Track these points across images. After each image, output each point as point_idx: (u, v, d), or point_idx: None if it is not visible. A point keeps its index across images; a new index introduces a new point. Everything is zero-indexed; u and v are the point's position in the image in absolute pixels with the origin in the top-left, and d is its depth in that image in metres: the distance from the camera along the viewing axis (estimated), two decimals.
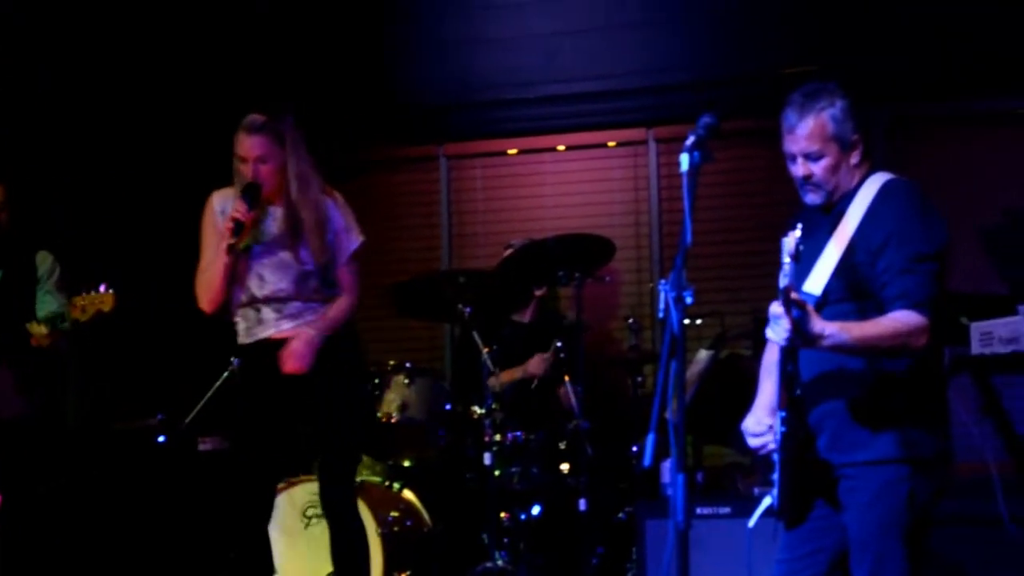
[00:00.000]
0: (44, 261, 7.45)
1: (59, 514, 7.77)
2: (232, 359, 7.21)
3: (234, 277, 6.23)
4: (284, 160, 6.21)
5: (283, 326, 6.26)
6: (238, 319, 6.35)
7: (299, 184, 6.23)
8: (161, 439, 8.35)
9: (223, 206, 6.25)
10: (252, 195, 6.14)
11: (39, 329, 6.97)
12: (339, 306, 6.37)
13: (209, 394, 7.78)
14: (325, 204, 6.32)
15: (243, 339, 6.35)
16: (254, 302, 6.26)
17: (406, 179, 9.94)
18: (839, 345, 4.31)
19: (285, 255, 6.23)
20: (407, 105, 9.64)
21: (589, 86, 9.48)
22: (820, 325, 4.24)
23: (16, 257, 7.45)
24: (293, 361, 6.18)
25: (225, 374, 7.52)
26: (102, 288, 6.89)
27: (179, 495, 8.29)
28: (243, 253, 6.20)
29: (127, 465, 8.34)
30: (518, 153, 9.79)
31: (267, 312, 6.26)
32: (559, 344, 7.93)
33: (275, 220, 6.28)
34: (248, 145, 6.20)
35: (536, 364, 8.17)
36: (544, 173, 9.76)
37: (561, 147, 9.71)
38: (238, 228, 6.07)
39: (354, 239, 6.40)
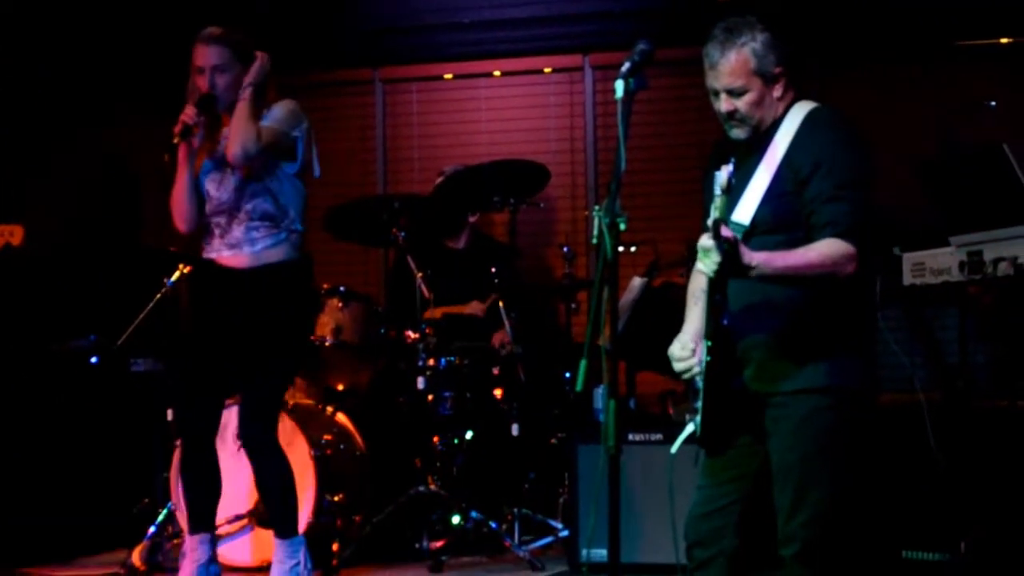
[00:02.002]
0: None
1: None
2: (166, 279, 7.19)
3: (196, 196, 6.25)
4: (241, 73, 6.19)
5: (223, 252, 6.25)
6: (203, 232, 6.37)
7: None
8: (94, 360, 8.33)
9: None
10: (206, 104, 6.13)
11: None
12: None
13: (142, 315, 7.74)
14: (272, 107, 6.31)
15: (203, 253, 6.37)
16: (209, 220, 6.27)
17: (341, 103, 9.91)
18: (768, 275, 4.33)
19: (227, 170, 6.23)
20: (342, 28, 9.59)
21: (526, 12, 9.45)
22: (749, 256, 4.25)
23: None
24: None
25: (158, 295, 7.48)
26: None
27: (112, 415, 8.29)
28: (194, 159, 6.20)
29: (60, 386, 8.33)
30: (454, 78, 9.76)
31: (215, 234, 6.26)
32: (497, 284, 7.91)
33: (225, 140, 6.26)
34: (206, 54, 6.17)
35: (475, 308, 8.20)
36: (480, 99, 9.74)
37: (497, 73, 9.68)
38: (185, 131, 6.05)
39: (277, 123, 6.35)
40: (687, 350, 4.59)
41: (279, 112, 6.28)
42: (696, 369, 4.53)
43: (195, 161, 6.25)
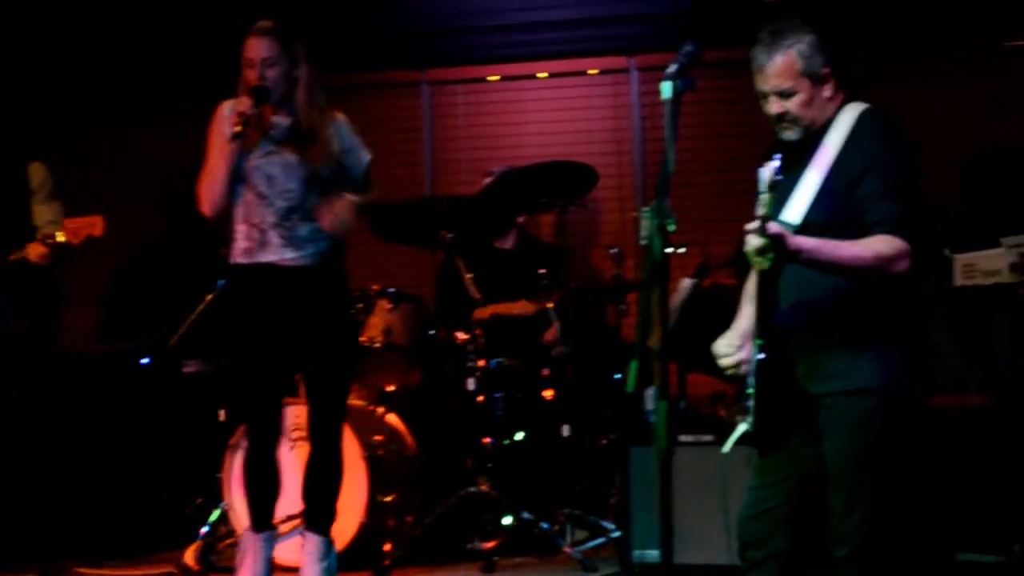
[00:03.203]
0: (37, 173, 7.61)
1: (45, 434, 7.82)
2: (218, 281, 7.25)
3: (238, 175, 6.23)
4: (290, 68, 6.25)
5: (286, 254, 6.27)
6: (238, 236, 6.34)
7: (307, 93, 6.28)
8: (146, 361, 8.39)
9: (232, 112, 6.25)
10: (259, 95, 6.17)
11: (38, 249, 7.07)
12: (373, 193, 6.55)
13: (194, 316, 7.80)
14: (333, 118, 6.40)
15: (239, 259, 6.34)
16: (261, 220, 6.27)
17: (388, 104, 9.92)
18: (818, 261, 4.34)
19: (292, 158, 6.27)
20: (389, 30, 9.61)
21: (572, 13, 9.47)
22: (797, 242, 4.27)
23: (7, 171, 7.53)
24: (334, 216, 6.29)
25: (210, 296, 7.54)
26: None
27: (164, 416, 8.33)
28: (247, 152, 6.22)
29: (112, 386, 8.38)
30: (500, 80, 9.78)
31: (273, 236, 6.26)
32: (549, 295, 7.93)
33: (281, 128, 6.32)
34: (257, 47, 6.22)
35: (523, 308, 8.20)
36: (526, 100, 9.76)
37: (543, 74, 9.70)
38: (244, 121, 6.08)
39: (364, 155, 6.53)
40: (732, 347, 4.62)
41: (360, 142, 6.52)
42: (742, 366, 4.55)
43: (243, 151, 6.25)
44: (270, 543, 6.43)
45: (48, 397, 7.89)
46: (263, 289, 6.30)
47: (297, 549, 6.62)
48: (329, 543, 6.46)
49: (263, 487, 6.43)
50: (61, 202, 7.53)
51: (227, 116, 6.28)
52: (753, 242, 4.20)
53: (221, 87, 6.48)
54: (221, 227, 6.40)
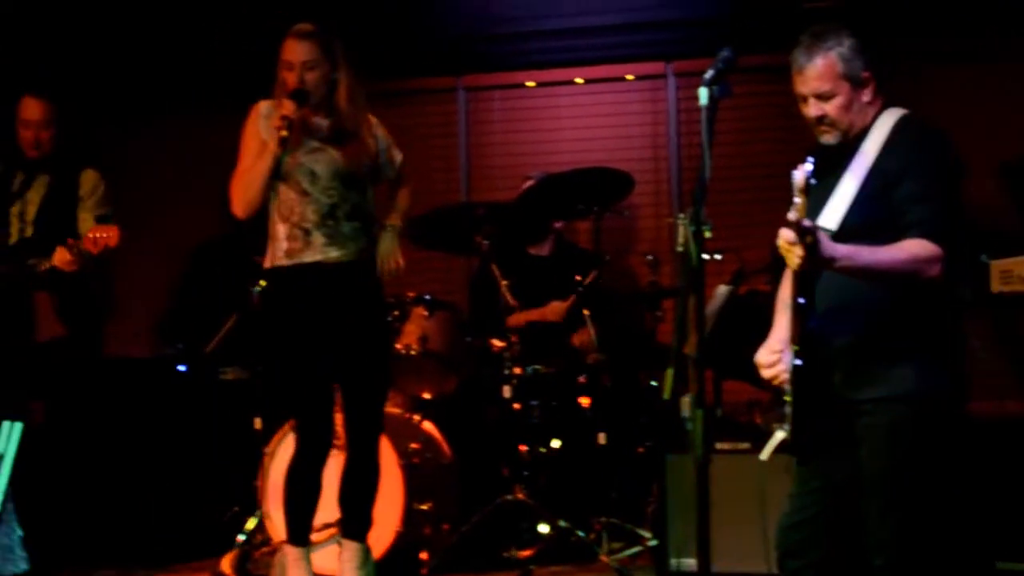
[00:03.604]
0: (88, 180, 7.69)
1: (81, 440, 7.84)
2: (254, 289, 7.24)
3: (277, 173, 6.20)
4: (329, 71, 6.26)
5: (331, 252, 6.28)
6: (279, 236, 6.32)
7: (349, 94, 6.31)
8: (182, 368, 8.41)
9: (269, 112, 6.28)
10: (299, 98, 6.17)
11: (63, 255, 7.10)
12: (404, 196, 6.72)
13: (230, 323, 7.81)
14: (368, 119, 6.47)
15: (281, 260, 6.31)
16: (303, 218, 6.27)
17: (424, 110, 9.93)
18: (852, 268, 4.31)
19: (336, 155, 6.29)
20: (425, 36, 9.62)
21: (608, 19, 9.45)
22: (832, 248, 4.24)
23: (59, 177, 7.57)
24: (393, 260, 6.49)
25: (244, 304, 7.54)
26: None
27: (200, 423, 8.34)
28: (286, 152, 6.20)
29: (150, 393, 8.39)
30: (536, 86, 9.77)
31: (317, 235, 6.27)
32: (580, 288, 7.90)
33: (322, 128, 6.33)
34: (297, 50, 6.23)
35: (554, 311, 8.18)
36: (562, 106, 9.74)
37: (580, 80, 9.69)
38: (288, 125, 6.08)
39: (397, 154, 6.64)
40: (773, 356, 4.59)
41: (393, 142, 6.62)
42: (784, 376, 4.52)
43: (283, 154, 6.23)
44: (309, 556, 6.43)
45: (87, 403, 7.92)
46: (307, 290, 6.29)
47: (334, 557, 6.61)
48: (367, 550, 6.48)
49: (309, 499, 6.42)
50: (108, 211, 7.56)
51: (264, 116, 6.29)
52: (785, 234, 4.18)
53: (232, 92, 6.50)
54: (251, 229, 6.39)
